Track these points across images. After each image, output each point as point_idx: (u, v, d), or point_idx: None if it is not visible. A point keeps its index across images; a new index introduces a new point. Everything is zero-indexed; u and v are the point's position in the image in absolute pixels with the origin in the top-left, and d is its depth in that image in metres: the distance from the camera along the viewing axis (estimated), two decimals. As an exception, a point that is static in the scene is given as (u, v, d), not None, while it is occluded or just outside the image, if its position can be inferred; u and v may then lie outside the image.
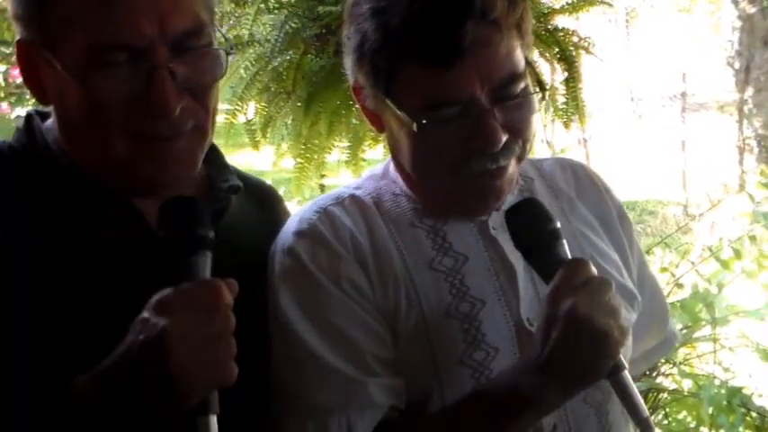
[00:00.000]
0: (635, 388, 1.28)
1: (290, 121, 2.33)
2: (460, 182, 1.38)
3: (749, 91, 11.17)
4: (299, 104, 2.27)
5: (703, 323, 3.29)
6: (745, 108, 11.32)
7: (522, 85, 1.36)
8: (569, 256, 1.32)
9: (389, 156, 1.51)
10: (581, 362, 1.27)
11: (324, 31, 2.21)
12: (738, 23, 10.72)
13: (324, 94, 2.22)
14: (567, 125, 2.33)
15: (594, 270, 1.30)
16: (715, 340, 3.35)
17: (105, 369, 1.11)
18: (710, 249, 3.54)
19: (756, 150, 11.47)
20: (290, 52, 2.19)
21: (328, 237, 1.40)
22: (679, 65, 12.61)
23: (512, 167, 1.39)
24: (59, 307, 1.19)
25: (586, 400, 1.40)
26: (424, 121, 1.33)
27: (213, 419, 1.10)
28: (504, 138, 1.34)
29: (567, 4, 2.30)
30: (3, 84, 6.73)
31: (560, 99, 2.32)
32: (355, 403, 1.34)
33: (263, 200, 1.53)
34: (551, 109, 2.39)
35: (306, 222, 1.43)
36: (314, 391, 1.34)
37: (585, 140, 10.72)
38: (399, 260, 1.41)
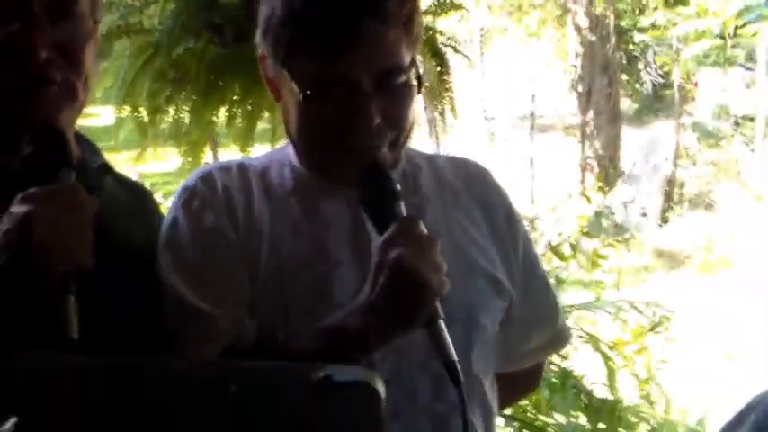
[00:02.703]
0: (447, 336, 1.41)
1: (187, 108, 2.49)
2: (336, 154, 1.54)
3: (590, 114, 11.94)
4: (196, 90, 2.43)
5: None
6: (587, 130, 12.08)
7: (403, 78, 1.52)
8: (404, 215, 1.47)
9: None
10: (402, 307, 1.41)
11: (223, 20, 2.39)
12: (581, 50, 11.47)
13: (222, 80, 2.40)
14: (442, 115, 2.60)
15: (424, 229, 1.45)
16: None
17: None
18: (551, 245, 3.92)
19: (596, 170, 12.26)
20: (191, 41, 2.36)
21: (202, 194, 1.55)
22: (529, 88, 13.27)
23: (384, 149, 1.53)
24: None
25: (423, 368, 1.51)
26: (309, 92, 1.48)
27: (71, 299, 1.24)
28: (378, 121, 1.49)
29: (434, 5, 2.58)
30: None
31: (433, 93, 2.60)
32: (205, 333, 1.50)
33: (139, 191, 1.66)
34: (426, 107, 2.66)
35: (189, 180, 1.59)
36: (174, 321, 1.51)
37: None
38: (268, 221, 1.55)
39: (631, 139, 12.85)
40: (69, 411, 0.82)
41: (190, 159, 2.61)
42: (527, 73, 13.45)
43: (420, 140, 11.46)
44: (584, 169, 12.10)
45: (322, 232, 1.57)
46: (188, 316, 1.52)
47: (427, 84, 2.64)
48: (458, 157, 1.79)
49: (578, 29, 11.35)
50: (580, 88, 11.99)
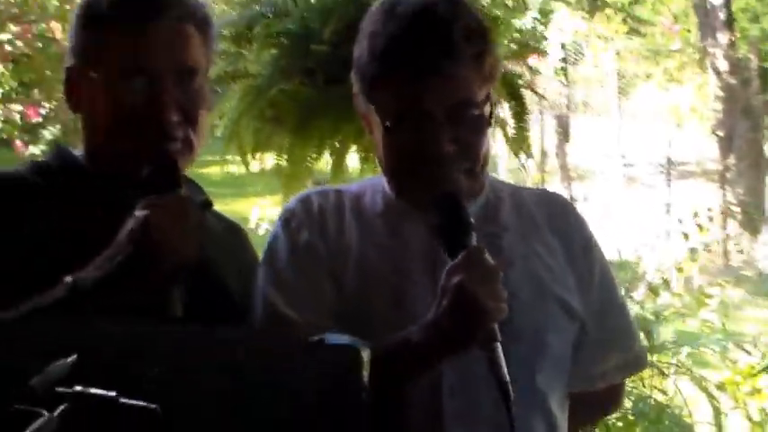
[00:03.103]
0: (501, 357, 1.55)
1: (285, 143, 2.77)
2: (413, 181, 1.71)
3: (731, 159, 11.63)
4: (291, 128, 2.72)
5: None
6: (728, 175, 11.76)
7: (475, 111, 1.69)
8: (473, 244, 1.62)
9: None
10: (461, 328, 1.54)
11: (315, 65, 2.68)
12: (721, 94, 11.23)
13: (313, 118, 2.67)
14: (516, 152, 2.78)
15: (490, 259, 1.60)
16: (651, 365, 3.74)
17: (106, 253, 1.53)
18: (649, 283, 3.97)
19: (739, 216, 11.89)
20: (285, 83, 2.65)
21: (300, 215, 1.76)
22: (669, 132, 13.07)
23: (460, 178, 1.70)
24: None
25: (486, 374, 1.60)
26: (389, 123, 1.69)
27: (177, 294, 1.55)
28: (452, 150, 1.67)
29: (512, 51, 2.77)
30: (19, 122, 7.13)
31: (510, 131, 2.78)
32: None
33: (234, 229, 1.91)
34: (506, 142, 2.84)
35: (291, 203, 1.82)
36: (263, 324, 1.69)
37: (573, 200, 11.16)
38: (356, 239, 1.74)
39: (780, 185, 12.39)
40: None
41: (289, 192, 2.88)
42: (668, 118, 13.26)
43: (553, 185, 11.49)
44: (725, 215, 11.77)
45: (403, 252, 1.73)
46: (278, 322, 1.68)
47: (511, 129, 2.81)
48: (542, 189, 1.97)
49: (718, 72, 11.15)
50: (721, 132, 11.72)
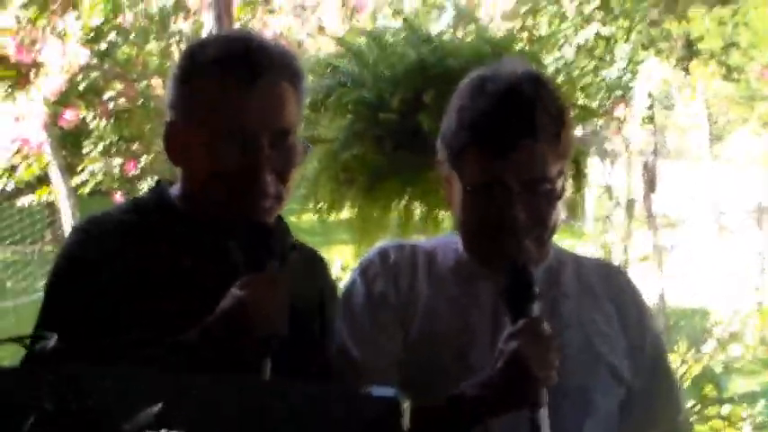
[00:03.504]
0: (544, 421, 1.65)
1: (356, 202, 3.00)
2: (488, 244, 1.86)
3: (828, 206, 11.33)
4: (361, 189, 2.95)
5: (708, 402, 3.74)
6: (824, 222, 11.44)
7: (548, 185, 1.82)
8: (534, 314, 1.75)
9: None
10: (511, 390, 1.67)
11: (384, 133, 2.91)
12: (815, 139, 10.99)
13: (381, 182, 2.89)
14: (573, 213, 2.92)
15: (547, 330, 1.69)
16: (722, 418, 3.78)
17: (206, 323, 1.68)
18: (717, 338, 4.00)
19: (836, 265, 11.51)
20: (356, 148, 2.88)
21: (377, 265, 1.92)
22: (762, 178, 12.82)
23: (529, 244, 1.84)
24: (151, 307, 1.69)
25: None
26: (470, 189, 1.80)
27: (268, 361, 1.67)
28: (525, 220, 1.81)
29: (574, 115, 2.93)
30: (118, 175, 7.40)
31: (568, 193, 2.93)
32: (356, 379, 1.82)
33: (313, 261, 1.99)
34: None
35: (370, 253, 1.99)
36: (336, 364, 1.87)
37: (661, 249, 11.06)
38: (427, 293, 1.88)
39: None
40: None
41: (362, 245, 3.10)
42: (763, 163, 13.00)
43: (639, 233, 11.40)
44: (820, 265, 11.45)
45: (470, 309, 1.88)
46: (346, 362, 1.86)
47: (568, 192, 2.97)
48: (602, 260, 2.07)
49: (811, 118, 10.95)
50: (816, 179, 11.45)
